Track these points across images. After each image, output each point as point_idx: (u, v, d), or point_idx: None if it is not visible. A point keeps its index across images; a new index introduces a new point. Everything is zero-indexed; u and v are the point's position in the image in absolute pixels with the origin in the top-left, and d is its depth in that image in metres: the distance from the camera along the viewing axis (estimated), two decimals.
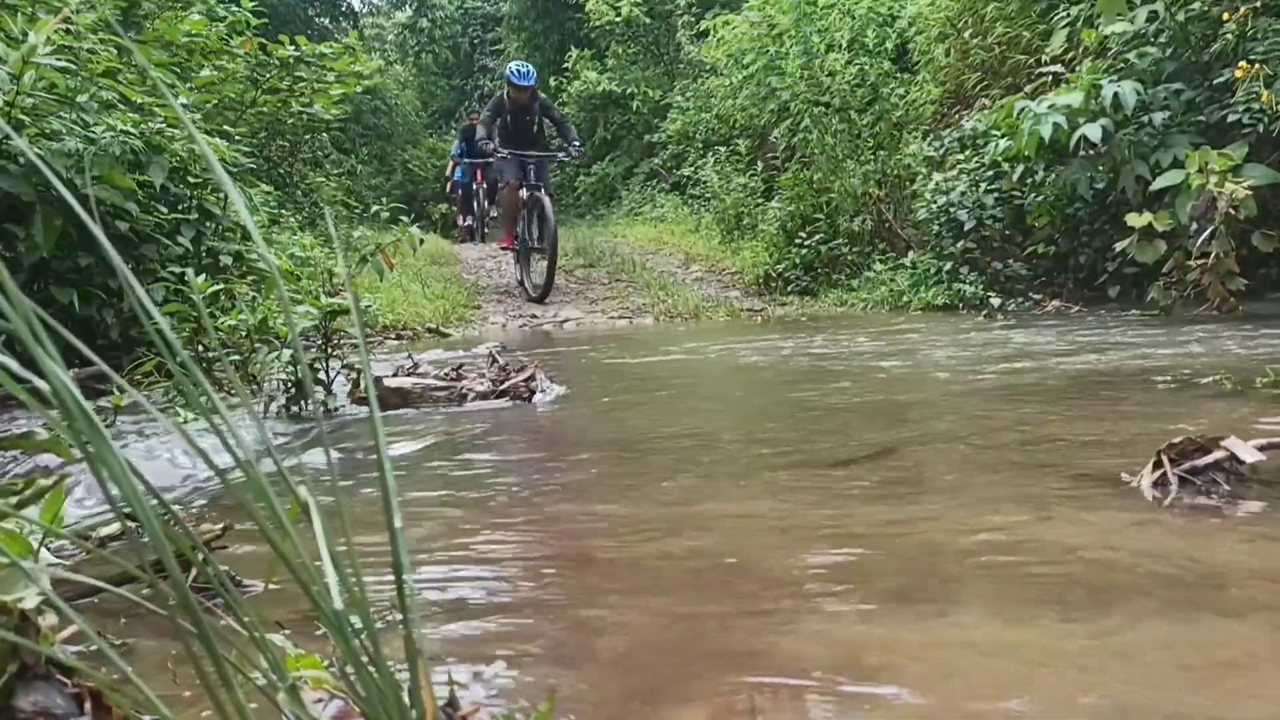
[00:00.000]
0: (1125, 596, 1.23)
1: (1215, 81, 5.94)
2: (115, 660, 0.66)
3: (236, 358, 3.42)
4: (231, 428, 0.66)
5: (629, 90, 17.42)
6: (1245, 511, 1.59)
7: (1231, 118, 5.73)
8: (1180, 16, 6.11)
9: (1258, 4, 5.76)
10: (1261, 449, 1.72)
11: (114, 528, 1.74)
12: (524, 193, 9.28)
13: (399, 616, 0.68)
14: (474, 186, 17.37)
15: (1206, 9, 6.02)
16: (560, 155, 9.76)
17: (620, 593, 1.37)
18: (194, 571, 1.22)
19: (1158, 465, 1.74)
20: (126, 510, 0.63)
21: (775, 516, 1.74)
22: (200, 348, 3.47)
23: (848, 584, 1.34)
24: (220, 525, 1.53)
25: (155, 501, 0.66)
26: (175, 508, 1.88)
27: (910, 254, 8.02)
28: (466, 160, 17.13)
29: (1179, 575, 1.30)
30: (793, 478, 2.05)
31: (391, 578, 0.66)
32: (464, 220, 18.43)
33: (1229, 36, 5.84)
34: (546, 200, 8.96)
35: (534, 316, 8.42)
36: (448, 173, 18.88)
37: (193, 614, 0.63)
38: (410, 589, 0.66)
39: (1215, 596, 1.23)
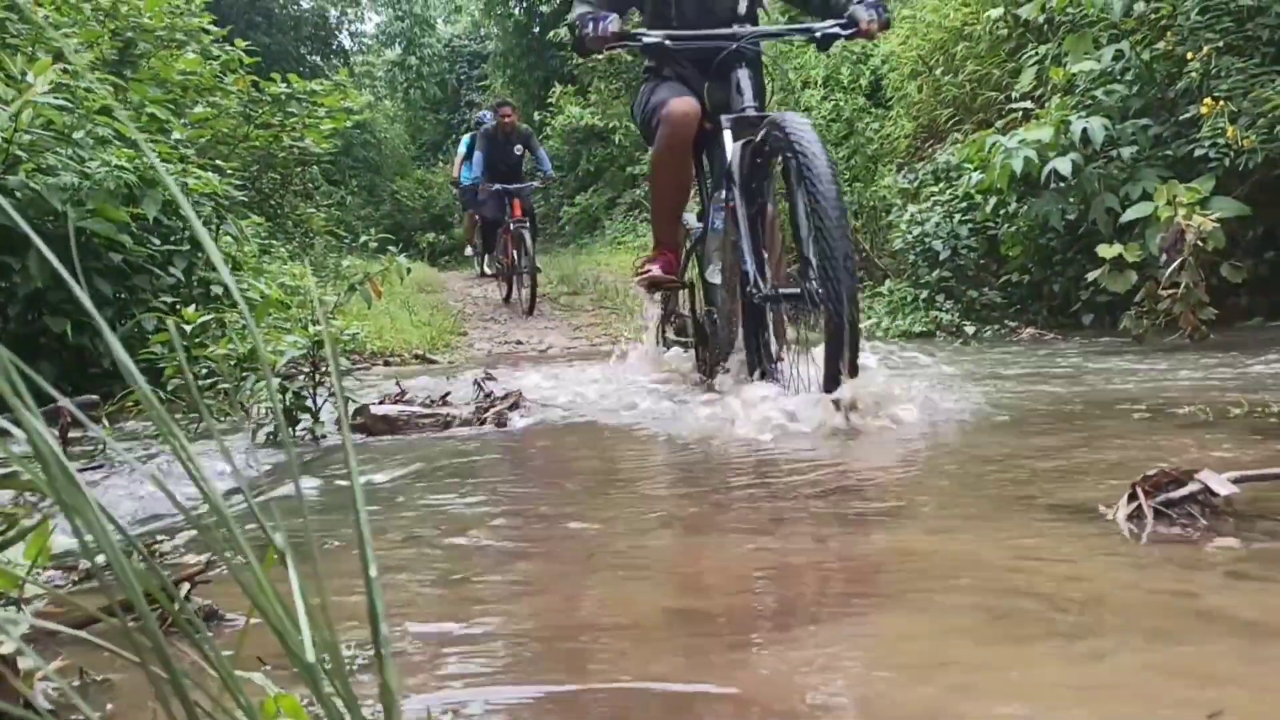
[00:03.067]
0: (1097, 624, 1.30)
1: (1181, 117, 6.10)
2: (82, 708, 0.68)
3: (226, 387, 3.51)
4: (197, 466, 0.66)
5: (611, 124, 17.65)
6: (1219, 544, 1.62)
7: (1198, 152, 5.87)
8: (1145, 55, 6.29)
9: (1220, 44, 5.94)
10: (1235, 481, 1.75)
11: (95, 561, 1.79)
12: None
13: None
14: (505, 218, 11.14)
15: (1171, 48, 6.20)
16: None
17: (600, 630, 1.40)
18: (170, 611, 1.20)
19: (1133, 498, 1.77)
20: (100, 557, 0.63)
21: (753, 549, 1.79)
22: (190, 376, 3.55)
23: (823, 614, 1.41)
24: (204, 559, 1.54)
25: (133, 541, 0.66)
26: (164, 538, 1.96)
27: (887, 282, 8.16)
28: (497, 187, 11.16)
29: (1150, 604, 1.36)
30: (774, 510, 2.07)
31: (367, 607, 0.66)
32: (487, 266, 12.94)
33: (1193, 74, 6.00)
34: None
35: (519, 343, 8.53)
36: (454, 173, 14.19)
37: (163, 658, 0.62)
38: (385, 631, 0.66)
39: (1185, 624, 1.28)
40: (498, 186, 11.15)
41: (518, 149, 11.58)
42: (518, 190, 11.16)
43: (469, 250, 14.98)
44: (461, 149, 13.02)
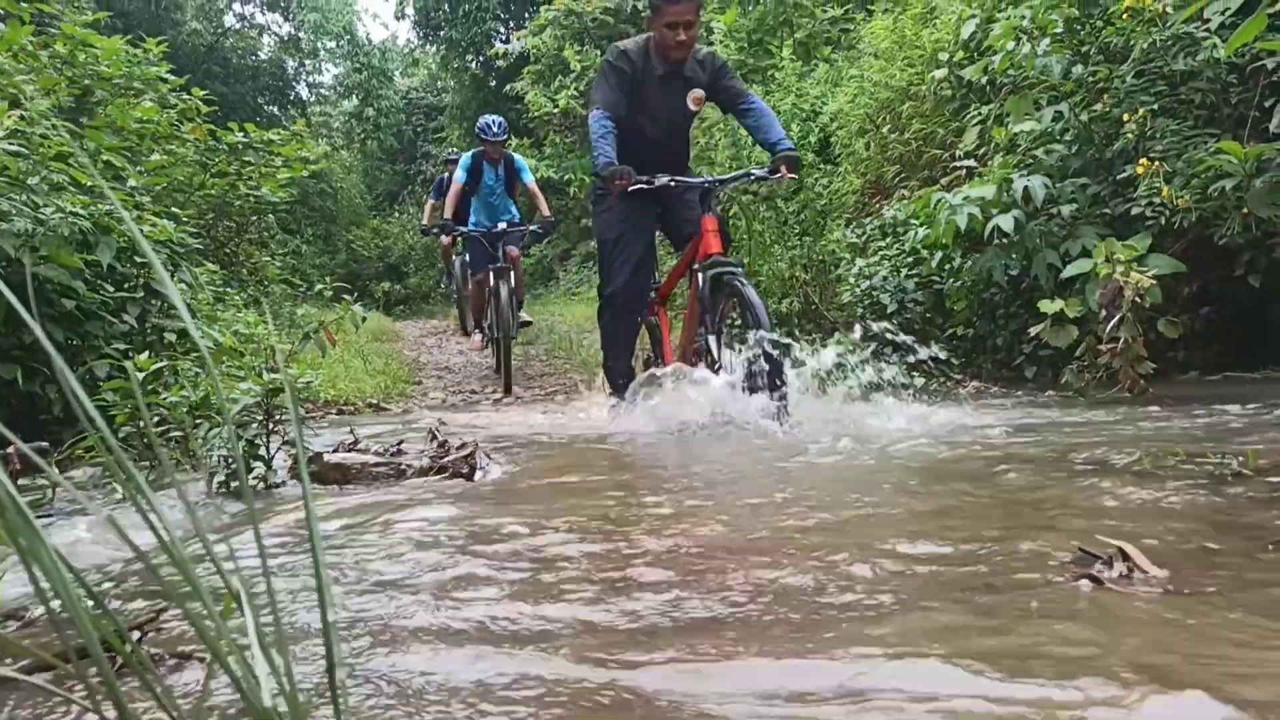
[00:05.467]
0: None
1: (1119, 177, 6.30)
2: None
3: (178, 434, 3.50)
4: (159, 513, 0.65)
5: (566, 176, 17.85)
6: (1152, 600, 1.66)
7: (1135, 210, 6.05)
8: (1084, 117, 6.50)
9: (1155, 106, 6.16)
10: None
11: (42, 609, 1.78)
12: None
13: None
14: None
15: (1108, 110, 6.41)
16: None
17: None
18: (123, 654, 1.19)
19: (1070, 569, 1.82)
20: (55, 602, 0.61)
21: (690, 616, 1.73)
22: (141, 424, 3.55)
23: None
24: (156, 608, 1.53)
25: (88, 586, 0.66)
26: (120, 586, 1.94)
27: (836, 334, 8.29)
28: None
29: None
30: (720, 581, 1.96)
31: (323, 654, 0.66)
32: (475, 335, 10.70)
33: (1129, 135, 6.21)
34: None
35: (473, 392, 8.52)
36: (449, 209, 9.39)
37: (117, 701, 0.62)
38: (342, 681, 0.67)
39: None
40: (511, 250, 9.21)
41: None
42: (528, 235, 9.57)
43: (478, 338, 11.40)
44: (461, 176, 9.48)
